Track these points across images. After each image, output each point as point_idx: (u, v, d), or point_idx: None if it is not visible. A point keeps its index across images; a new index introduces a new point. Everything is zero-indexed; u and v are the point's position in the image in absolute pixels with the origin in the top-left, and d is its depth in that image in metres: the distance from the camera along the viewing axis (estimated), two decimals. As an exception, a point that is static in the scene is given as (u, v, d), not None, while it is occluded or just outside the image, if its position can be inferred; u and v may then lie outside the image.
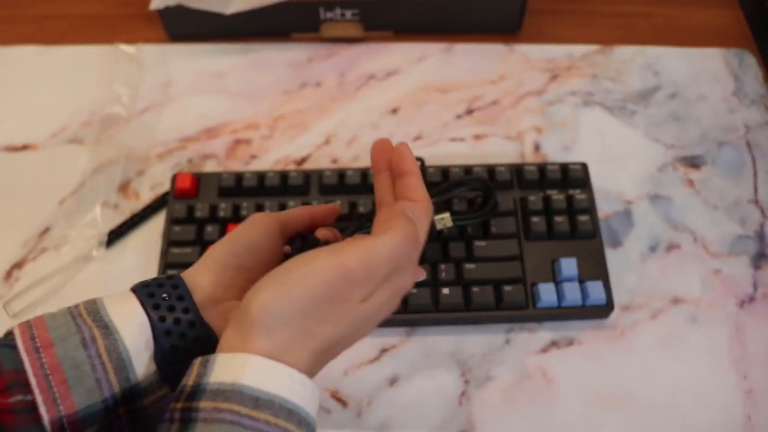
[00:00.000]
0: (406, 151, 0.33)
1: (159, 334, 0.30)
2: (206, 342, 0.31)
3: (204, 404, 0.26)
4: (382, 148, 0.34)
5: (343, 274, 0.28)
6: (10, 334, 0.28)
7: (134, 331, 0.29)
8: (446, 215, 0.48)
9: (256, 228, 0.35)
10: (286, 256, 0.36)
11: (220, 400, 0.26)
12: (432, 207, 0.34)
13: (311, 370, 0.29)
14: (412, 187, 0.33)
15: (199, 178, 0.55)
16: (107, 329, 0.29)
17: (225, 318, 0.32)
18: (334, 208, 0.40)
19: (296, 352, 0.28)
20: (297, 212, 0.38)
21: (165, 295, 0.31)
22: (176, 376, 0.29)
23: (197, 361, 0.28)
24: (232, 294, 0.34)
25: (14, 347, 0.27)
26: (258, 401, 0.26)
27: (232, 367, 0.27)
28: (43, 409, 0.26)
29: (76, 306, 0.30)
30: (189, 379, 0.27)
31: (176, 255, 0.51)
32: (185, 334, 0.31)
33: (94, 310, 0.30)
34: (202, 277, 0.33)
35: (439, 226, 0.48)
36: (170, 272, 0.35)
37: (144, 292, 0.31)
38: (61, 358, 0.27)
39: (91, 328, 0.29)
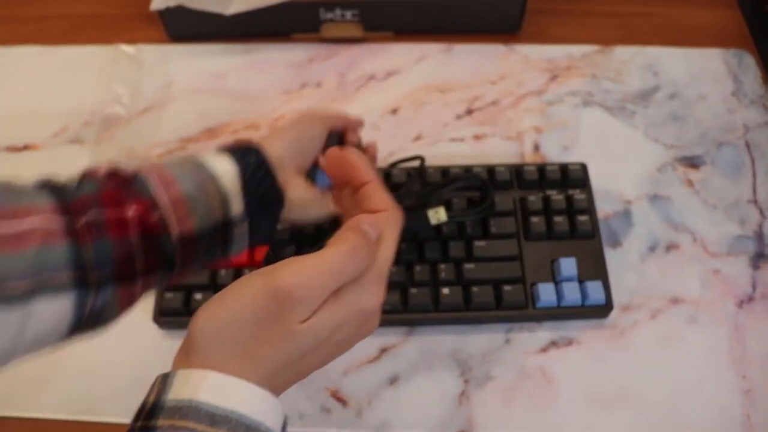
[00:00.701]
0: (355, 160, 0.32)
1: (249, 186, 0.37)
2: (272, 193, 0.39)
3: (161, 422, 0.25)
4: (334, 163, 0.33)
5: (274, 294, 0.27)
6: (138, 171, 0.35)
7: (231, 179, 0.37)
8: (440, 209, 0.48)
9: (317, 123, 0.44)
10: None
11: (177, 417, 0.25)
12: (401, 213, 0.32)
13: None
14: (371, 197, 0.31)
15: (199, 179, 0.55)
16: (212, 175, 0.36)
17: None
18: (360, 120, 0.49)
19: (242, 374, 0.27)
20: (339, 118, 0.47)
21: (252, 159, 0.38)
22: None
23: (158, 378, 0.28)
24: (289, 170, 0.41)
25: (147, 181, 0.35)
26: (215, 418, 0.25)
27: (190, 383, 0.26)
28: (173, 227, 0.34)
29: (187, 156, 0.37)
30: (150, 396, 0.27)
31: (177, 255, 0.51)
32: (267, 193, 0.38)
33: (198, 162, 0.37)
34: (273, 150, 0.39)
35: (432, 221, 0.48)
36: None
37: (236, 155, 0.38)
38: (182, 192, 0.35)
39: (199, 173, 0.36)
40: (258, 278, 0.27)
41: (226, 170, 0.37)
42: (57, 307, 0.30)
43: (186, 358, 0.28)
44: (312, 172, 0.44)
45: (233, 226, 0.37)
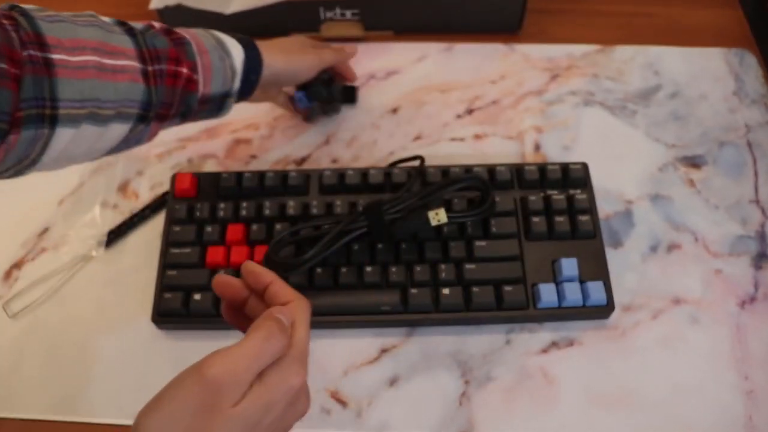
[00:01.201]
0: (254, 268, 0.36)
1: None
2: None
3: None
4: (225, 283, 0.36)
5: (204, 384, 0.29)
6: (184, 35, 0.44)
7: (240, 62, 0.46)
8: (440, 210, 0.48)
9: (315, 62, 0.54)
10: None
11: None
12: (308, 302, 0.35)
13: None
14: (278, 293, 0.35)
15: (198, 178, 0.55)
16: (228, 54, 0.46)
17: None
18: (353, 51, 0.59)
19: None
20: (334, 57, 0.56)
21: (254, 58, 0.48)
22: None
23: None
24: (276, 87, 0.56)
25: (192, 47, 0.43)
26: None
27: None
28: (200, 86, 0.44)
29: (208, 30, 0.46)
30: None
31: (176, 255, 0.51)
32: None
33: (219, 39, 0.46)
34: (273, 64, 0.50)
35: (433, 222, 0.48)
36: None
37: (245, 45, 0.47)
38: (211, 61, 0.44)
39: (221, 48, 0.45)
40: (188, 373, 0.30)
41: (237, 53, 0.46)
42: (120, 131, 0.41)
43: None
44: (295, 96, 0.58)
45: (230, 96, 0.47)
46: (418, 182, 0.54)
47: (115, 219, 0.56)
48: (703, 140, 0.60)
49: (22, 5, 0.37)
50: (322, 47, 0.56)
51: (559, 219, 0.52)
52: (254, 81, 0.48)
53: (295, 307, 0.34)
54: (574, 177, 0.54)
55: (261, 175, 0.54)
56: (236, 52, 0.46)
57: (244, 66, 0.47)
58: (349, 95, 0.62)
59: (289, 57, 0.52)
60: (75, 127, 0.37)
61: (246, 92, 0.48)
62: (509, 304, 0.49)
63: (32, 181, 0.58)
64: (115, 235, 0.55)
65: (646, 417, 0.47)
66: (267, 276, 0.35)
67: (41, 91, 0.35)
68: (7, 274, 0.53)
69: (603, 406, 0.47)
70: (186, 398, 0.29)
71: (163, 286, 0.50)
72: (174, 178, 0.54)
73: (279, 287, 0.35)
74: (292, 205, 0.53)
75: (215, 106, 0.47)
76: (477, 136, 0.60)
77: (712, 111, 0.61)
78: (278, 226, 0.52)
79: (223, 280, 0.36)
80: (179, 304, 0.49)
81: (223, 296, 0.37)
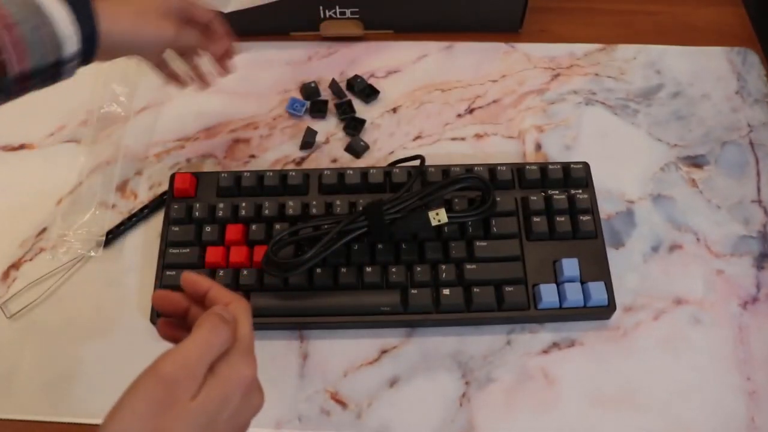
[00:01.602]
0: (192, 276, 0.36)
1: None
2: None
3: None
4: (165, 297, 0.37)
5: (159, 379, 0.30)
6: None
7: (66, 25, 0.40)
8: (441, 210, 0.48)
9: (163, 38, 0.48)
10: None
11: None
12: (247, 303, 0.35)
13: None
14: (217, 297, 0.35)
15: (197, 178, 0.55)
16: (47, 20, 0.39)
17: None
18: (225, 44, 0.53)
19: None
20: (194, 39, 0.51)
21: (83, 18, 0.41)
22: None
23: None
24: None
25: None
26: None
27: None
28: (11, 67, 0.39)
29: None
30: None
31: (175, 255, 0.51)
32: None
33: (36, 5, 0.39)
34: (117, 26, 0.44)
35: (433, 222, 0.48)
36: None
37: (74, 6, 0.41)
38: (21, 33, 0.38)
39: (37, 16, 0.39)
40: (144, 375, 0.30)
41: (62, 16, 0.40)
42: None
43: None
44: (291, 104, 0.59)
45: (65, 64, 0.42)
46: (419, 182, 0.54)
47: (114, 219, 0.55)
48: (706, 140, 0.59)
49: None
50: (187, 21, 0.49)
51: (560, 219, 0.51)
52: (91, 49, 0.42)
53: (235, 306, 0.35)
54: (576, 177, 0.53)
55: (260, 174, 0.54)
56: (60, 15, 0.40)
57: (77, 30, 0.41)
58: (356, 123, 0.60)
59: (137, 24, 0.45)
60: None
61: (89, 55, 0.43)
62: (510, 304, 0.48)
63: (30, 181, 0.58)
64: (114, 235, 0.54)
65: (647, 418, 0.46)
66: (205, 282, 0.36)
67: None
68: (5, 275, 0.53)
69: (604, 407, 0.47)
70: (145, 398, 0.29)
71: (161, 286, 0.50)
72: (173, 178, 0.54)
73: (218, 291, 0.36)
74: (291, 205, 0.52)
75: (47, 76, 0.42)
76: (478, 136, 0.60)
77: (715, 110, 0.61)
78: (278, 226, 0.52)
79: (162, 294, 0.37)
80: (178, 305, 0.49)
81: (165, 311, 0.37)
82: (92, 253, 0.54)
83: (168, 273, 0.50)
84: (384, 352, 0.49)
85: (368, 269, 0.49)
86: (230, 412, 0.31)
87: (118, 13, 0.44)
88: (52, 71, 0.42)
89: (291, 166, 0.58)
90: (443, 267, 0.49)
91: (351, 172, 0.54)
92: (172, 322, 0.38)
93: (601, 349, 0.49)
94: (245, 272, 0.50)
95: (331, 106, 0.62)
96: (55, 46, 0.40)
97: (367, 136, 0.60)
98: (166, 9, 0.47)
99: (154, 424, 0.29)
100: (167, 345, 0.49)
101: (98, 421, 0.47)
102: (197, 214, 0.52)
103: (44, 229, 0.55)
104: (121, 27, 0.44)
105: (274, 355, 0.49)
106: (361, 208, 0.50)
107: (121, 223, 0.55)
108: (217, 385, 0.31)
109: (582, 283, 0.49)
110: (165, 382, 0.29)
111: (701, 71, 0.64)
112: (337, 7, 0.64)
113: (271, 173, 0.54)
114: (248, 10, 0.61)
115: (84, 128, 0.61)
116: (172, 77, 0.54)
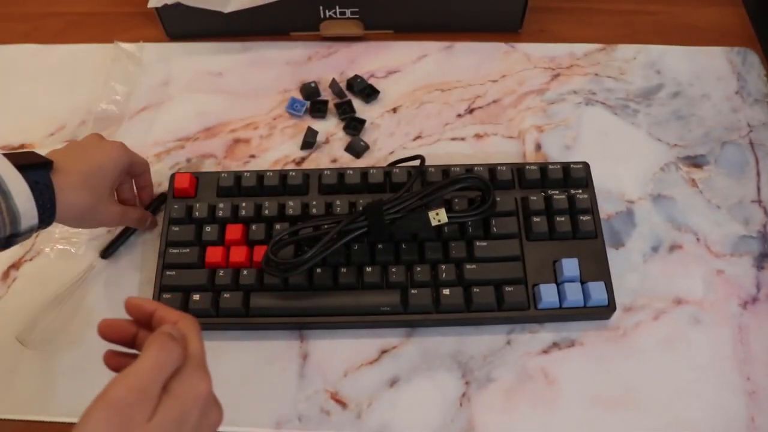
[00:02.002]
0: (135, 300, 0.36)
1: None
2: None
3: None
4: (111, 325, 0.36)
5: (111, 408, 0.29)
6: None
7: (23, 200, 0.40)
8: (441, 210, 0.48)
9: (111, 218, 0.49)
10: None
11: None
12: (195, 320, 0.35)
13: None
14: (164, 317, 0.35)
15: (197, 178, 0.55)
16: (5, 194, 0.39)
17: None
18: (144, 163, 0.53)
19: None
20: (136, 218, 0.52)
21: (43, 201, 0.41)
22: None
23: None
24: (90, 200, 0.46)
25: None
26: None
27: None
28: None
29: None
30: None
31: (175, 255, 0.51)
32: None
33: None
34: (75, 196, 0.44)
35: (433, 222, 0.48)
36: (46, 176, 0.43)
37: (35, 176, 0.41)
38: None
39: None
40: (93, 406, 0.29)
41: (20, 190, 0.40)
42: None
43: None
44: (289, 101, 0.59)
45: (18, 236, 0.41)
46: (419, 182, 0.54)
47: (114, 219, 0.55)
48: (706, 140, 0.59)
49: None
50: (127, 174, 0.52)
51: (560, 219, 0.51)
52: (47, 221, 0.43)
53: (183, 324, 0.34)
54: (576, 177, 0.53)
55: (260, 174, 0.54)
56: (18, 189, 0.40)
57: (34, 204, 0.41)
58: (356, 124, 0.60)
59: (91, 204, 0.46)
60: None
61: (46, 223, 0.43)
62: (510, 304, 0.48)
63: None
64: (114, 235, 0.54)
65: (647, 418, 0.46)
66: (150, 305, 0.36)
67: None
68: (5, 275, 0.53)
69: (604, 406, 0.47)
70: (98, 427, 0.28)
71: (162, 286, 0.50)
72: (173, 178, 0.54)
73: (164, 311, 0.35)
74: (291, 205, 0.52)
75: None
76: (478, 136, 0.60)
77: (715, 110, 0.61)
78: (278, 226, 0.52)
79: (107, 323, 0.36)
80: (178, 305, 0.49)
81: (112, 339, 0.36)
82: (92, 253, 0.54)
83: (168, 273, 0.50)
84: (384, 352, 0.49)
85: (368, 269, 0.49)
86: (189, 431, 0.31)
87: (75, 189, 0.45)
88: (6, 242, 0.41)
89: (291, 166, 0.58)
90: (443, 267, 0.49)
91: (351, 172, 0.54)
92: (118, 352, 0.36)
93: (601, 349, 0.49)
94: (245, 272, 0.50)
95: (331, 106, 0.62)
96: (8, 222, 0.40)
97: (367, 136, 0.60)
98: (115, 179, 0.49)
99: None
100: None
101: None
102: (197, 214, 0.52)
103: (44, 229, 0.55)
104: (79, 204, 0.45)
105: (274, 355, 0.49)
106: (361, 208, 0.50)
107: (121, 223, 0.55)
108: (173, 404, 0.30)
109: (582, 283, 0.49)
110: (118, 408, 0.29)
111: (701, 71, 0.64)
112: (337, 7, 0.64)
113: (271, 173, 0.54)
114: (248, 10, 0.61)
115: (84, 128, 0.61)
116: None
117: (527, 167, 0.54)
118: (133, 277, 0.53)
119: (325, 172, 0.54)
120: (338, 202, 0.52)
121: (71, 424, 0.47)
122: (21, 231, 0.41)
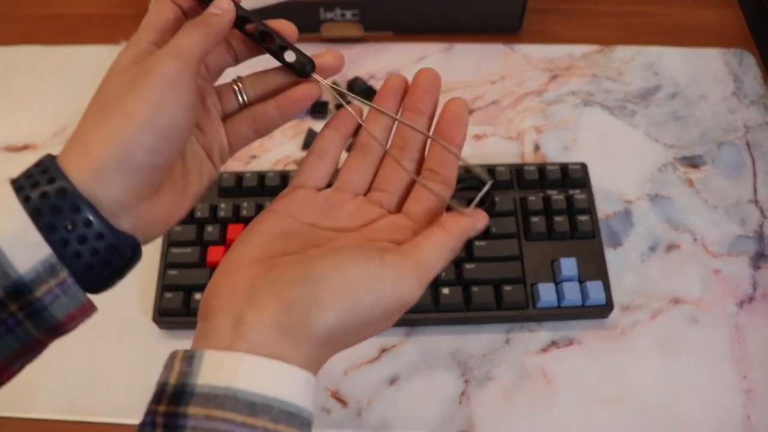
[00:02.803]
0: (462, 111, 0.32)
1: (69, 257, 0.27)
2: (122, 248, 0.29)
3: (193, 410, 0.24)
4: (396, 87, 0.35)
5: (404, 305, 0.29)
6: None
7: (6, 227, 0.26)
8: None
9: (180, 99, 0.29)
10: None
11: (213, 406, 0.24)
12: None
13: (314, 365, 0.28)
14: (448, 173, 0.35)
15: (199, 178, 0.55)
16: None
17: (145, 221, 0.30)
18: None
19: (285, 354, 0.26)
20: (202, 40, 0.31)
21: (67, 224, 0.27)
22: (105, 286, 0.30)
23: (178, 355, 0.26)
24: (149, 192, 0.30)
25: None
26: (254, 407, 0.24)
27: (224, 368, 0.25)
28: None
29: None
30: (171, 376, 0.25)
31: (176, 255, 0.51)
32: (97, 249, 0.28)
33: None
34: (112, 185, 0.28)
35: None
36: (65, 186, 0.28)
37: (42, 223, 0.27)
38: None
39: None
40: (390, 287, 0.28)
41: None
42: None
43: (291, 343, 0.26)
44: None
45: (29, 289, 0.27)
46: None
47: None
48: (703, 140, 0.60)
49: None
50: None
51: (558, 219, 0.52)
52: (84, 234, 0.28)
53: (464, 222, 0.35)
54: (574, 177, 0.54)
55: (261, 175, 0.54)
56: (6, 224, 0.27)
57: (66, 255, 0.27)
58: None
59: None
60: None
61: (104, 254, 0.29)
62: (509, 303, 0.49)
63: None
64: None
65: (644, 416, 0.47)
66: (459, 135, 0.35)
67: None
68: (8, 274, 0.53)
69: (602, 405, 0.47)
70: (383, 312, 0.28)
71: (163, 285, 0.50)
72: (174, 178, 0.54)
73: (452, 165, 0.36)
74: (292, 205, 0.53)
75: (7, 323, 0.28)
76: (477, 136, 0.60)
77: (712, 111, 0.62)
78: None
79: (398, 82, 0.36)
80: (180, 304, 0.49)
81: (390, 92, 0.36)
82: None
83: (170, 272, 0.50)
84: (384, 350, 0.50)
85: (368, 269, 0.50)
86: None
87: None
88: (13, 307, 0.27)
89: (292, 166, 0.59)
90: (443, 266, 0.50)
91: (351, 172, 0.54)
92: None
93: (598, 348, 0.50)
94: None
95: (331, 107, 0.62)
96: None
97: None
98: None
99: (364, 327, 0.28)
100: (168, 344, 0.50)
101: (99, 419, 0.47)
102: (199, 213, 0.53)
103: (47, 229, 0.56)
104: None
105: (275, 354, 0.50)
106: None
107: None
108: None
109: (580, 282, 0.50)
110: (405, 307, 0.29)
111: (698, 72, 0.64)
112: (338, 9, 0.64)
113: (272, 173, 0.54)
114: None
115: (86, 129, 0.61)
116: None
117: (526, 168, 0.54)
118: (134, 277, 0.53)
119: (326, 172, 0.54)
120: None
121: (73, 423, 0.47)
122: (21, 276, 0.26)
